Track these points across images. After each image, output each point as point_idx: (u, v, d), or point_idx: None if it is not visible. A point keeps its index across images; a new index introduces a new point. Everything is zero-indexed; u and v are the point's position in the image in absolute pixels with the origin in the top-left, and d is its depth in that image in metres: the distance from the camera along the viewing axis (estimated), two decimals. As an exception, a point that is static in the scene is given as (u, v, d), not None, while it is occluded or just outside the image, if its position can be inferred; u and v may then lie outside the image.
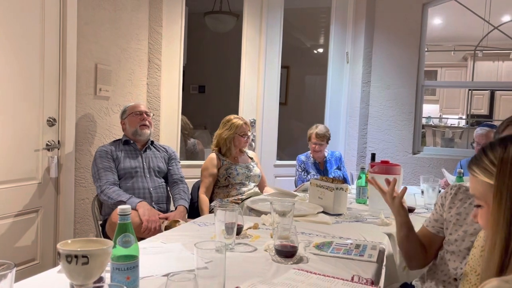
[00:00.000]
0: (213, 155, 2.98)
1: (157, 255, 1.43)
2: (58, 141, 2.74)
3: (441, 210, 1.46)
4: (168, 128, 3.58)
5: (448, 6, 4.30)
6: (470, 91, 6.62)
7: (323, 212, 2.15)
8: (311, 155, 3.40)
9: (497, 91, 7.07)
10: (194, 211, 2.89)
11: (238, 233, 1.65)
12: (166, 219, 2.43)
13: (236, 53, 3.90)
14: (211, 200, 2.95)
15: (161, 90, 3.47)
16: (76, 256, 0.83)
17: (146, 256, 1.36)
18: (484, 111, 7.22)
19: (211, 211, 2.85)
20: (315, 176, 3.28)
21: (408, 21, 4.01)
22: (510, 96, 6.92)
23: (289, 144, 5.01)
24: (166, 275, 1.24)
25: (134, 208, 2.37)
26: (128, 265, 1.04)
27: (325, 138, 3.34)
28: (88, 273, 0.85)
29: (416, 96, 4.02)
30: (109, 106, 3.07)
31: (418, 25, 3.98)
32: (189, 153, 4.28)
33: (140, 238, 1.79)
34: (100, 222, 2.57)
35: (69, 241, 0.90)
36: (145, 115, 2.69)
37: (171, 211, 2.67)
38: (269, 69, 3.90)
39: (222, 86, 5.37)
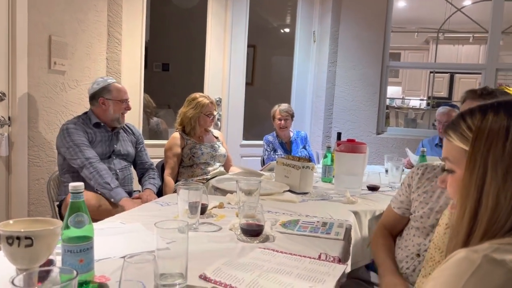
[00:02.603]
0: (176, 134, 2.88)
1: (115, 236, 1.35)
2: (9, 117, 2.56)
3: (407, 191, 1.46)
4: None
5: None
6: (431, 74, 6.78)
7: (289, 190, 2.12)
8: (278, 134, 3.37)
9: (456, 74, 7.28)
10: (158, 193, 2.80)
11: (203, 212, 1.59)
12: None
13: (202, 30, 3.77)
14: (176, 180, 2.87)
15: (122, 66, 3.31)
16: (18, 238, 0.74)
17: (103, 237, 1.28)
18: (444, 93, 7.43)
19: (175, 192, 2.78)
20: (282, 156, 3.26)
21: (375, 2, 4.00)
22: (468, 79, 7.14)
23: (255, 124, 4.95)
24: (125, 257, 1.17)
25: (116, 201, 2.23)
26: (81, 247, 0.97)
27: (289, 113, 3.33)
28: (33, 256, 0.76)
29: (381, 77, 4.05)
30: (66, 81, 2.89)
31: (384, 6, 3.98)
32: (152, 132, 4.15)
33: (95, 220, 1.70)
34: (56, 203, 2.44)
35: (11, 221, 0.81)
36: (128, 105, 2.54)
37: (135, 191, 2.58)
38: (235, 47, 3.80)
39: (187, 64, 5.21)
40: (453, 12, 4.19)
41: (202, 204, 1.54)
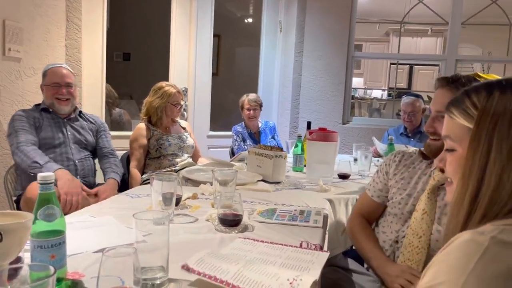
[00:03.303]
0: (142, 125, 2.78)
1: (86, 230, 1.28)
2: (-41, 108, 2.38)
3: (385, 178, 1.47)
4: (91, 96, 3.28)
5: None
6: (392, 65, 6.94)
7: (262, 180, 2.10)
8: (246, 125, 3.34)
9: (415, 66, 7.50)
10: (124, 185, 2.70)
11: (177, 203, 1.53)
12: (96, 195, 2.23)
13: (164, 19, 3.65)
14: (143, 173, 2.77)
15: (82, 54, 3.15)
16: (-15, 233, 0.67)
17: (73, 231, 1.20)
18: (403, 84, 7.65)
19: (142, 184, 2.68)
20: (251, 146, 3.23)
21: (340, -8, 4.03)
22: (427, 71, 7.38)
23: (221, 115, 4.89)
24: (99, 251, 1.10)
25: None
26: (53, 242, 0.89)
27: (257, 103, 3.31)
28: (3, 252, 0.69)
29: (347, 67, 4.09)
30: (21, 69, 2.71)
31: (349, -4, 4.02)
32: (114, 123, 4.00)
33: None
34: (14, 198, 2.29)
35: (-24, 215, 0.73)
36: (64, 89, 2.36)
37: (99, 184, 2.46)
38: (201, 37, 3.71)
39: (149, 54, 5.05)
40: (415, 4, 4.28)
41: (177, 195, 1.49)
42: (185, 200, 1.63)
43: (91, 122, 2.55)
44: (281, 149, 2.19)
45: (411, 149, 1.49)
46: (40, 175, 0.89)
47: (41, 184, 0.89)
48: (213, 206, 1.55)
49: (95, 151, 2.54)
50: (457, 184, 0.74)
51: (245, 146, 3.25)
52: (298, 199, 1.74)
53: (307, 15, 4.07)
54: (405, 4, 4.96)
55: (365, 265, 1.45)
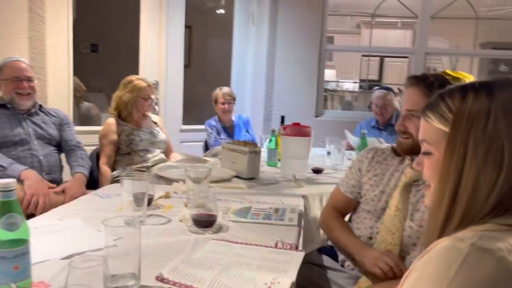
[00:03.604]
0: (111, 120, 2.70)
1: (52, 234, 1.22)
2: None
3: (358, 175, 1.47)
4: (57, 90, 3.16)
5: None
6: (363, 57, 7.02)
7: (236, 176, 2.07)
8: (220, 119, 3.29)
9: (386, 58, 7.62)
10: (93, 182, 2.62)
11: (149, 203, 1.49)
12: (63, 191, 2.15)
13: (134, 9, 3.54)
14: (113, 169, 2.70)
15: (47, 46, 3.02)
16: None
17: (38, 237, 1.14)
18: (374, 76, 7.76)
19: (113, 182, 2.61)
20: (226, 140, 3.20)
21: (312, -16, 4.01)
22: (397, 63, 7.51)
23: (194, 108, 4.82)
24: (67, 257, 1.06)
25: (17, 178, 2.02)
26: (16, 252, 0.85)
27: (232, 97, 3.28)
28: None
29: (319, 60, 4.10)
30: (-19, 63, 2.57)
31: (321, -12, 4.01)
32: (83, 118, 3.89)
33: (28, 216, 1.54)
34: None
35: None
36: (25, 83, 2.25)
37: (66, 181, 2.38)
38: (172, 28, 3.63)
39: (118, 45, 4.91)
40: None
41: (148, 195, 1.45)
42: (157, 199, 1.59)
43: (53, 115, 2.45)
44: (256, 145, 2.17)
45: (384, 145, 1.50)
46: (0, 181, 0.84)
47: (2, 191, 0.84)
48: (186, 206, 1.51)
49: (61, 146, 2.45)
50: (435, 188, 0.73)
51: (221, 140, 3.22)
52: (273, 196, 1.73)
53: (279, 8, 4.04)
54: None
55: (340, 262, 1.45)
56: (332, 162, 2.58)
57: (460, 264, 0.58)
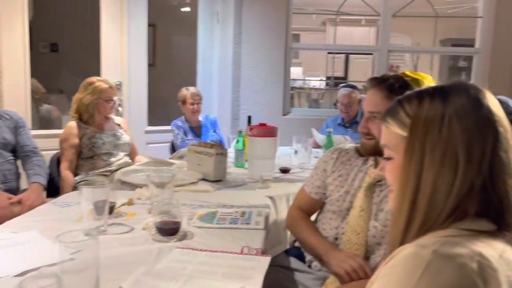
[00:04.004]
0: (72, 124, 2.61)
1: (6, 249, 1.16)
2: None
3: (323, 175, 1.47)
4: (13, 93, 3.02)
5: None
6: (329, 54, 7.10)
7: (203, 179, 2.04)
8: (187, 119, 3.25)
9: (351, 55, 7.73)
10: (54, 189, 2.53)
11: (111, 211, 1.44)
12: (19, 202, 2.05)
13: (94, 6, 3.43)
14: (75, 174, 2.61)
15: (1, 46, 2.88)
16: None
17: (-10, 254, 1.08)
18: (340, 73, 7.86)
19: (75, 187, 2.53)
20: (193, 141, 3.16)
21: (277, -18, 4.01)
22: (362, 60, 7.64)
23: (160, 108, 4.73)
24: (20, 274, 1.00)
25: None
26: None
27: (200, 96, 3.24)
28: None
29: (285, 58, 4.10)
30: None
31: (286, -14, 4.01)
32: (43, 121, 3.74)
33: None
34: None
35: None
36: None
37: (24, 190, 2.27)
38: (134, 27, 3.53)
39: (79, 45, 4.75)
40: (347, -3, 4.37)
41: (110, 203, 1.40)
42: (119, 207, 1.54)
43: (6, 118, 2.34)
44: (222, 146, 2.15)
45: (348, 145, 1.50)
46: None
47: None
48: (150, 213, 1.47)
49: (15, 149, 2.33)
50: (396, 192, 0.75)
51: (188, 141, 3.17)
52: (240, 198, 1.71)
53: (244, 6, 4.01)
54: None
55: (307, 263, 1.45)
56: (299, 160, 2.59)
57: (422, 271, 0.59)
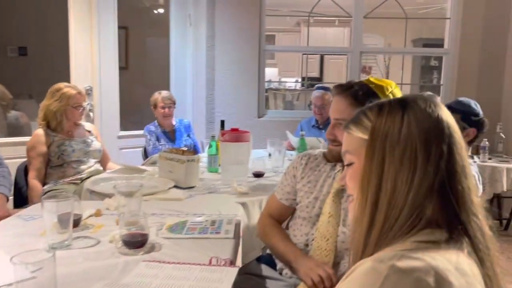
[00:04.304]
0: (39, 131, 2.54)
1: (-37, 269, 1.11)
2: None
3: (293, 181, 1.47)
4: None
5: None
6: (304, 55, 7.15)
7: (174, 186, 2.02)
8: (160, 123, 3.20)
9: (326, 56, 7.80)
10: (23, 199, 2.46)
11: (77, 224, 1.41)
12: None
13: (63, 9, 3.35)
14: (44, 183, 2.54)
15: (-37, 53, 2.78)
16: None
17: None
18: (316, 73, 7.93)
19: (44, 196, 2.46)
20: (166, 146, 3.12)
21: (249, -15, 4.00)
22: (336, 60, 7.72)
23: (133, 112, 4.65)
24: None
25: None
26: None
27: (172, 100, 3.20)
28: None
29: (259, 61, 4.10)
30: None
31: (258, -11, 4.01)
32: (11, 128, 3.63)
33: None
34: None
35: None
36: None
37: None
38: (104, 30, 3.46)
39: (48, 48, 4.63)
40: (320, -1, 4.40)
41: (75, 215, 1.36)
42: (87, 218, 1.51)
43: None
44: (194, 152, 2.13)
45: (316, 151, 1.51)
46: None
47: None
48: (117, 224, 1.44)
49: None
50: (357, 197, 0.75)
51: (160, 146, 3.13)
52: (211, 206, 1.69)
53: (216, 9, 3.99)
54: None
55: (278, 270, 1.45)
56: (273, 164, 2.59)
57: (379, 286, 0.59)
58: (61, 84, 2.61)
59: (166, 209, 1.64)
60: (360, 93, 1.27)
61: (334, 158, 1.36)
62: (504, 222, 3.75)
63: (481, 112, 1.86)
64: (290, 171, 1.50)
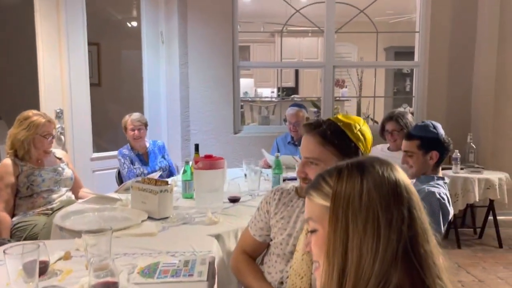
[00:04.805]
0: (7, 161, 2.46)
1: None
2: None
3: (266, 217, 1.46)
4: None
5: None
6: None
7: (148, 217, 1.97)
8: (133, 146, 3.15)
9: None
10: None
11: (44, 271, 1.36)
12: None
13: (30, 30, 3.27)
14: (13, 214, 2.46)
15: None
16: None
17: None
18: (291, 83, 7.99)
19: (13, 230, 2.38)
20: (141, 169, 3.07)
21: (220, 1, 3.99)
22: (311, 70, 7.80)
23: (107, 129, 4.57)
24: None
25: None
26: None
27: (142, 122, 3.14)
28: None
29: (233, 77, 4.09)
30: None
31: (230, 5, 4.00)
32: (-22, 153, 3.51)
33: None
34: None
35: None
36: None
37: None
38: (74, 49, 3.38)
39: (17, 69, 4.51)
40: (292, 14, 4.44)
41: (42, 262, 1.31)
42: (55, 262, 1.45)
43: None
44: (167, 182, 2.09)
45: (289, 185, 1.50)
46: None
47: None
48: (87, 268, 1.40)
49: None
50: (324, 264, 0.75)
51: (135, 170, 3.07)
52: (184, 241, 1.66)
53: (188, 26, 3.97)
54: (286, 7, 5.12)
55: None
56: (249, 186, 2.57)
57: None
58: (30, 112, 2.54)
59: (139, 247, 1.60)
60: (329, 132, 1.27)
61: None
62: (478, 230, 3.83)
63: (440, 133, 1.88)
64: (263, 207, 1.49)
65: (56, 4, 3.27)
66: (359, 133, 1.29)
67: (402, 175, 0.75)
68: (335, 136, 1.26)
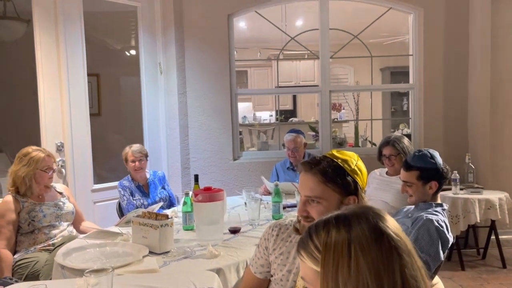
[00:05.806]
0: (8, 198, 2.48)
1: None
2: None
3: (265, 253, 1.47)
4: None
5: (252, 15, 4.55)
6: (278, 88, 7.27)
7: (150, 252, 1.98)
8: (133, 177, 3.16)
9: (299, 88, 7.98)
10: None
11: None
12: None
13: (30, 64, 3.33)
14: (15, 252, 2.46)
15: None
16: None
17: None
18: (289, 106, 8.07)
19: (14, 267, 2.38)
20: (141, 200, 3.08)
21: (216, 31, 4.07)
22: (308, 93, 7.89)
23: (108, 159, 4.59)
24: None
25: None
26: None
27: (142, 153, 3.15)
28: None
29: (231, 104, 4.15)
30: None
31: (226, 35, 4.08)
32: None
33: None
34: None
35: None
36: None
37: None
38: (73, 82, 3.44)
39: (18, 103, 4.57)
40: (287, 41, 4.53)
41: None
42: (57, 305, 1.46)
43: None
44: (167, 216, 2.10)
45: (287, 220, 1.50)
46: None
47: None
48: (89, 311, 1.40)
49: None
50: None
51: (135, 201, 3.08)
52: (185, 277, 1.66)
53: (186, 56, 4.05)
54: (282, 33, 5.22)
55: None
56: (249, 215, 2.57)
57: None
58: (29, 148, 2.56)
59: (140, 285, 1.60)
60: (330, 170, 1.27)
61: (305, 231, 1.36)
62: (481, 251, 3.81)
63: (439, 163, 1.90)
64: (262, 243, 1.49)
65: (56, 38, 3.33)
66: (356, 168, 1.31)
67: (390, 225, 0.75)
68: (336, 173, 1.27)
